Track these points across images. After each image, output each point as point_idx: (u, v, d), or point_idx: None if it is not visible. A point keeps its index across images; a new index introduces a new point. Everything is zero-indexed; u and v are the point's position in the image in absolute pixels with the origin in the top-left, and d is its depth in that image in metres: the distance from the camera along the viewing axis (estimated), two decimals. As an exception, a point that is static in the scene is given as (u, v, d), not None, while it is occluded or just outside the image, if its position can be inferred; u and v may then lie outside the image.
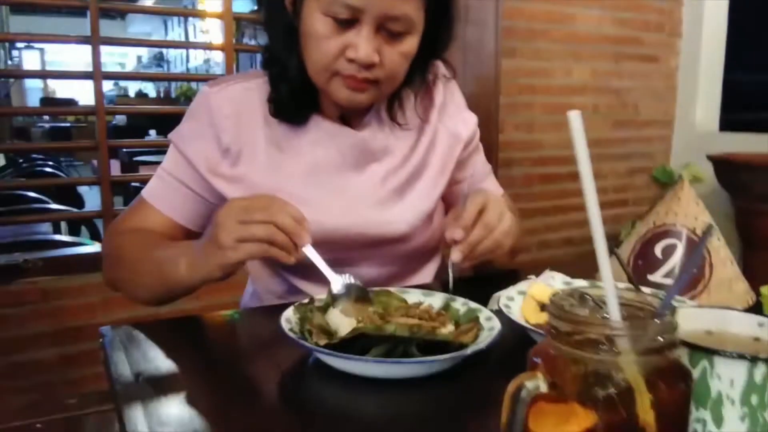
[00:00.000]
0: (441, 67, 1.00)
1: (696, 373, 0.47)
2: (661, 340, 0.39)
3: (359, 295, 0.77)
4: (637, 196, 2.80)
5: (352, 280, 0.79)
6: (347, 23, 0.81)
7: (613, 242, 1.57)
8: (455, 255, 0.80)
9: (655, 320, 0.40)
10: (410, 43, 0.85)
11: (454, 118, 1.02)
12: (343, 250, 0.92)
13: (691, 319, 0.55)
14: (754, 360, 0.45)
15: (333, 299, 0.76)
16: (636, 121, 2.76)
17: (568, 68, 2.52)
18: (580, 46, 2.53)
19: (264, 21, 0.92)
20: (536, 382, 0.40)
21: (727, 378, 0.46)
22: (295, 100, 0.90)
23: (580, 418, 0.40)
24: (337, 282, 0.78)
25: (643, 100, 2.76)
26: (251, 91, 0.93)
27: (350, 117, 0.95)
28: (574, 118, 0.39)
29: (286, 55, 0.88)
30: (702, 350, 0.47)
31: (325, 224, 0.89)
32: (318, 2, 0.81)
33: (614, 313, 0.41)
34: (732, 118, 2.92)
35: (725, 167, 2.29)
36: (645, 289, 0.82)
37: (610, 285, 0.41)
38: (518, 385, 0.40)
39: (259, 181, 0.91)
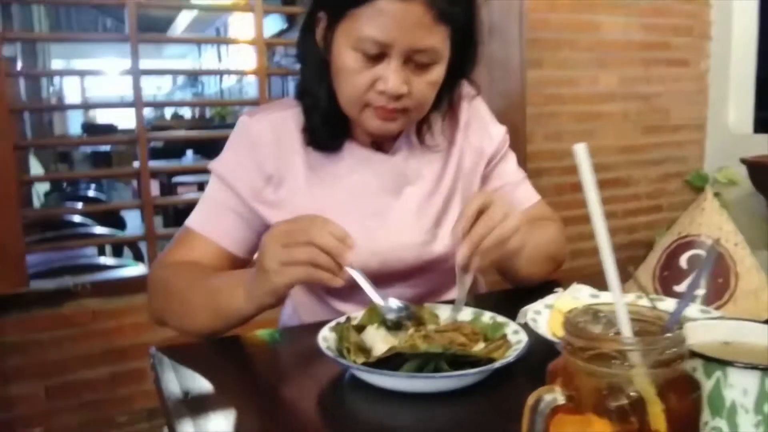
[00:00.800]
0: (465, 86, 1.03)
1: (710, 383, 0.49)
2: (670, 353, 0.42)
3: (408, 316, 0.78)
4: (671, 201, 2.78)
5: (396, 302, 0.79)
6: (376, 57, 0.84)
7: (648, 249, 1.58)
8: (460, 254, 0.79)
9: (664, 335, 0.43)
10: (437, 72, 0.89)
11: (479, 135, 1.05)
12: (381, 273, 0.94)
13: (709, 330, 0.57)
14: (765, 370, 0.47)
15: (381, 320, 0.77)
16: (667, 126, 2.74)
17: (595, 76, 2.52)
18: (607, 53, 2.53)
19: (297, 55, 0.97)
20: (554, 395, 0.43)
21: (740, 387, 0.48)
22: (328, 129, 0.94)
23: (597, 429, 0.43)
24: (381, 303, 0.78)
25: (674, 104, 2.74)
26: (288, 120, 0.97)
27: (382, 142, 0.99)
28: (580, 150, 0.42)
29: (319, 87, 0.93)
30: (716, 361, 0.49)
31: (364, 248, 0.90)
32: (347, 38, 0.85)
33: (625, 329, 0.43)
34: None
35: (759, 170, 2.26)
36: (669, 300, 0.84)
37: (620, 303, 0.44)
38: (537, 397, 0.43)
39: (301, 205, 0.94)
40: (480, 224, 0.79)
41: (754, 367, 0.48)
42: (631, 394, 0.41)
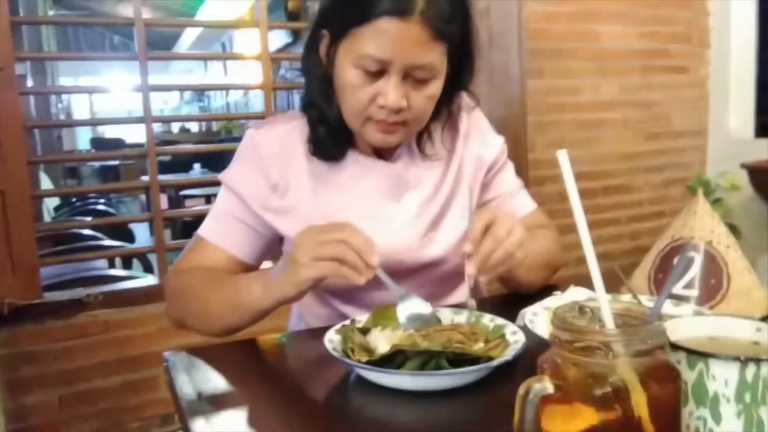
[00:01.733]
0: (465, 98, 1.08)
1: (694, 375, 0.52)
2: (651, 343, 0.45)
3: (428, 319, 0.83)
4: (674, 207, 2.80)
5: (417, 300, 0.85)
6: (376, 73, 0.89)
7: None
8: (470, 268, 0.84)
9: (645, 326, 0.46)
10: (435, 87, 0.93)
11: (478, 144, 1.09)
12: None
13: (697, 326, 0.60)
14: (744, 361, 0.50)
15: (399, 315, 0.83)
16: (668, 132, 2.77)
17: (596, 84, 2.55)
18: (607, 62, 2.57)
19: (301, 70, 1.02)
20: (543, 384, 0.46)
21: (722, 378, 0.51)
22: (331, 140, 0.99)
23: (584, 416, 0.46)
24: (403, 296, 0.85)
25: (675, 111, 2.77)
26: (292, 132, 1.02)
27: (383, 150, 1.03)
28: (562, 156, 0.46)
29: (323, 101, 0.97)
30: (698, 354, 0.52)
31: None
32: (349, 56, 0.89)
33: (608, 321, 0.47)
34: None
35: (760, 174, 2.28)
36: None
37: (603, 298, 0.47)
38: (527, 387, 0.46)
39: (306, 211, 0.98)
40: (487, 241, 0.84)
41: (733, 359, 0.51)
42: (615, 382, 0.44)
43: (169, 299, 1.01)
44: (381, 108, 0.90)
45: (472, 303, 0.87)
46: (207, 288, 0.94)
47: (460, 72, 0.98)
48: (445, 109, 1.03)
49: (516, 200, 1.13)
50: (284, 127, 1.03)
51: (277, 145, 1.00)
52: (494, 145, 1.11)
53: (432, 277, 1.03)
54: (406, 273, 1.01)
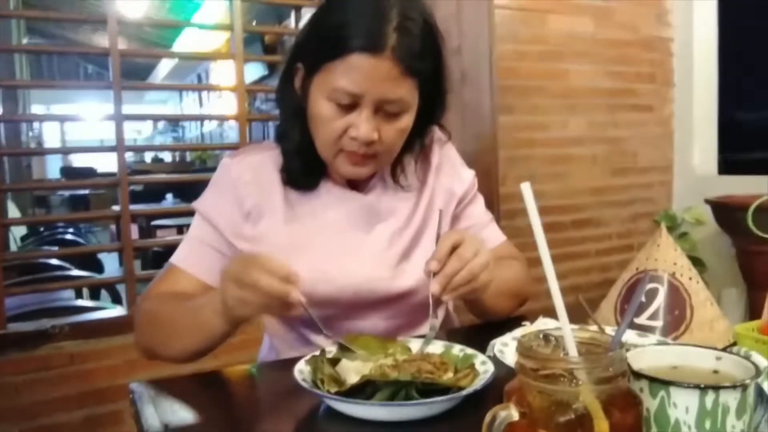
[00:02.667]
0: (437, 132, 1.11)
1: (656, 402, 0.53)
2: (612, 370, 0.46)
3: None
4: (641, 240, 2.86)
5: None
6: (349, 107, 0.91)
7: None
8: (434, 287, 0.84)
9: (606, 354, 0.47)
10: (406, 121, 0.95)
11: (449, 177, 1.11)
12: (356, 305, 1.00)
13: (659, 356, 0.61)
14: (704, 389, 0.52)
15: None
16: (635, 168, 2.84)
17: (565, 121, 2.62)
18: (575, 99, 2.64)
19: (276, 101, 1.04)
20: (509, 412, 0.47)
21: (682, 406, 0.52)
22: (305, 170, 1.01)
23: (549, 443, 0.47)
24: (327, 333, 0.85)
25: (641, 147, 2.85)
26: (267, 161, 1.03)
27: (357, 181, 1.04)
28: (525, 189, 0.47)
29: (296, 131, 0.99)
30: (660, 382, 0.53)
31: (338, 281, 0.98)
32: (322, 89, 0.92)
33: (571, 349, 0.48)
34: (733, 159, 3.00)
35: (722, 210, 2.35)
36: (629, 331, 0.89)
37: (566, 327, 0.48)
38: (493, 415, 0.47)
39: (277, 239, 0.99)
40: (452, 261, 0.85)
41: (694, 387, 0.52)
42: (578, 409, 0.45)
43: (137, 326, 1.00)
44: (353, 140, 0.92)
45: (435, 323, 0.87)
46: (174, 311, 0.94)
47: (432, 106, 1.01)
48: (418, 142, 1.05)
49: (486, 232, 1.15)
50: (259, 156, 1.04)
51: (252, 173, 1.01)
52: (465, 178, 1.13)
53: (404, 308, 1.04)
54: (377, 304, 1.01)
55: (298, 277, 0.79)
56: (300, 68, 0.97)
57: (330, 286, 0.96)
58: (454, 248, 0.86)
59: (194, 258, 1.01)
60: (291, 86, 0.99)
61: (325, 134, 0.94)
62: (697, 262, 2.60)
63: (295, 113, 0.99)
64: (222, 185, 1.02)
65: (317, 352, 0.82)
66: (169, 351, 0.95)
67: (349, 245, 1.01)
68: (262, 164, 1.03)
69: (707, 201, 2.43)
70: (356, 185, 1.05)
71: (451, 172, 1.12)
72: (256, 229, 1.00)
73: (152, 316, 0.97)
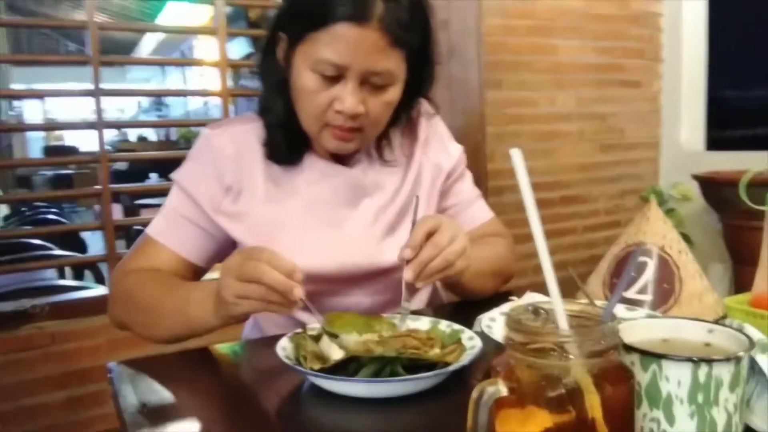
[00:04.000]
0: (425, 105, 1.07)
1: (647, 376, 0.52)
2: (604, 343, 0.44)
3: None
4: (628, 217, 2.86)
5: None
6: (333, 79, 0.88)
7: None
8: (407, 274, 0.82)
9: (598, 327, 0.45)
10: (393, 93, 0.92)
11: (437, 152, 1.08)
12: (339, 280, 0.98)
13: (650, 328, 0.60)
14: (697, 362, 0.50)
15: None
16: (623, 144, 2.83)
17: (553, 97, 2.60)
18: (564, 75, 2.61)
19: (259, 73, 1.00)
20: (497, 387, 0.45)
21: (674, 379, 0.51)
22: (288, 144, 0.97)
23: (538, 419, 0.45)
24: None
25: (629, 123, 2.84)
26: (249, 133, 1.00)
27: (342, 155, 1.01)
28: (515, 154, 0.45)
29: (280, 104, 0.96)
30: (651, 355, 0.52)
31: (323, 257, 0.95)
32: (306, 60, 0.88)
33: (562, 322, 0.46)
34: (721, 136, 3.00)
35: (710, 186, 2.35)
36: (618, 305, 0.88)
37: (557, 299, 0.46)
38: (480, 390, 0.45)
39: (258, 217, 0.96)
40: (427, 248, 0.83)
41: (686, 360, 0.51)
42: (569, 384, 0.44)
43: (113, 300, 0.98)
44: (338, 113, 0.89)
45: (407, 306, 0.85)
46: (157, 295, 0.91)
47: (420, 79, 0.98)
48: (404, 115, 1.02)
49: (473, 209, 1.14)
50: (241, 128, 1.01)
51: (233, 146, 0.98)
52: (453, 153, 1.11)
53: (389, 283, 1.02)
54: (363, 278, 0.99)
55: (302, 274, 0.76)
56: (283, 38, 0.93)
57: (312, 261, 0.93)
58: (429, 234, 0.84)
59: (171, 231, 0.98)
60: (273, 57, 0.95)
61: (309, 107, 0.91)
62: (684, 238, 2.61)
63: (277, 85, 0.96)
64: (202, 157, 0.99)
65: (300, 330, 0.80)
66: (148, 333, 0.93)
67: (333, 220, 0.99)
68: (244, 137, 0.99)
69: (695, 177, 2.42)
70: (341, 159, 1.02)
71: (439, 147, 1.09)
72: (236, 206, 0.97)
73: (131, 296, 0.94)
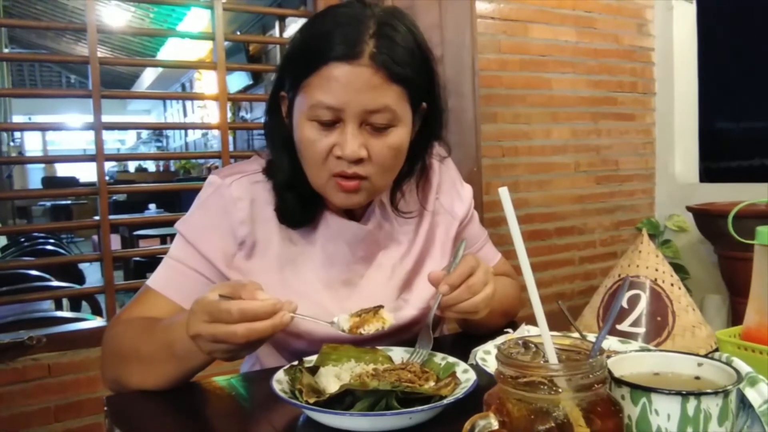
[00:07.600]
0: (436, 146, 1.03)
1: (637, 410, 0.53)
2: (593, 377, 0.45)
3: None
4: (625, 248, 2.87)
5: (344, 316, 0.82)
6: (331, 124, 0.85)
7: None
8: (436, 308, 0.86)
9: (587, 360, 0.46)
10: (397, 135, 0.88)
11: (450, 197, 1.07)
12: (354, 341, 0.90)
13: (640, 362, 0.61)
14: (685, 395, 0.51)
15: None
16: (618, 176, 2.87)
17: (548, 129, 2.64)
18: (558, 108, 2.66)
19: (264, 134, 0.98)
20: (488, 421, 0.46)
21: (664, 413, 0.52)
22: (300, 205, 0.94)
23: (529, 452, 0.46)
24: (334, 323, 0.81)
25: (623, 155, 2.88)
26: (260, 185, 0.96)
27: (355, 209, 0.98)
28: (503, 193, 0.47)
29: (287, 163, 0.93)
30: (641, 389, 0.53)
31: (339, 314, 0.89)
32: (302, 109, 0.86)
33: (551, 356, 0.47)
34: (715, 167, 3.03)
35: (704, 217, 2.37)
36: (611, 337, 0.88)
37: (545, 333, 0.47)
38: (472, 424, 0.46)
39: (268, 280, 0.91)
40: (463, 288, 0.85)
41: (675, 393, 0.51)
42: (558, 417, 0.45)
43: (102, 357, 0.92)
44: (339, 159, 0.86)
45: (429, 336, 0.88)
46: (143, 340, 0.85)
47: (430, 122, 0.95)
48: (419, 165, 0.99)
49: (483, 251, 1.13)
50: (251, 178, 0.96)
51: (246, 198, 0.94)
52: (465, 198, 1.09)
53: (406, 337, 0.99)
54: (379, 336, 0.98)
55: (280, 305, 0.73)
56: (285, 97, 0.92)
57: (330, 327, 0.84)
58: (467, 275, 0.85)
59: (174, 282, 0.93)
60: (278, 117, 0.94)
61: (311, 158, 0.87)
62: (680, 269, 2.62)
63: (283, 145, 0.93)
64: (212, 209, 0.94)
65: (295, 362, 0.80)
66: (142, 383, 0.86)
67: (349, 278, 0.97)
68: (255, 187, 0.96)
69: (689, 208, 2.45)
70: (354, 214, 0.99)
71: (451, 192, 1.08)
72: (249, 262, 0.94)
73: (119, 346, 0.88)
